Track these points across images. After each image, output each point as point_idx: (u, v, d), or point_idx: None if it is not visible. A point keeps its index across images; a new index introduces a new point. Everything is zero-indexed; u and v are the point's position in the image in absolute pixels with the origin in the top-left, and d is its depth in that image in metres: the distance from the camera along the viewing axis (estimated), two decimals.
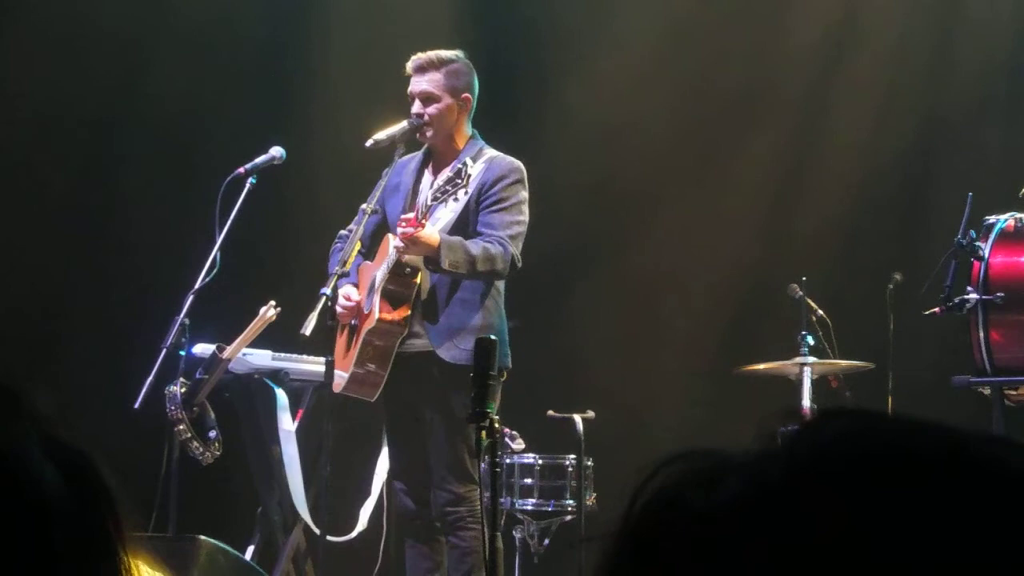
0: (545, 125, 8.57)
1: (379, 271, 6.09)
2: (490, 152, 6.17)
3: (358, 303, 6.15)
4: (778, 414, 0.90)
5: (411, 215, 5.89)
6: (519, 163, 6.16)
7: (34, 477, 1.00)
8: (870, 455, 0.86)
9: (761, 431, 0.88)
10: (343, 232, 6.36)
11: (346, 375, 6.10)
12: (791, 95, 8.80)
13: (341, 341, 6.25)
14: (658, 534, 0.87)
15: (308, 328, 5.86)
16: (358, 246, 6.20)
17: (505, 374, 5.97)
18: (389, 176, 6.24)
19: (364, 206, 6.20)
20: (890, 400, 6.93)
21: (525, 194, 6.12)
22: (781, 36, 8.79)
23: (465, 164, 5.83)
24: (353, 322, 6.19)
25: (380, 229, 6.26)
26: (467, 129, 6.23)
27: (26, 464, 1.01)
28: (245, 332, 6.51)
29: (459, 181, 5.81)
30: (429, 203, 5.89)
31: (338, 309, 6.13)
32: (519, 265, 6.02)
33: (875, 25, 8.74)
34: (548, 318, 8.21)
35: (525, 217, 6.10)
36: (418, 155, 6.30)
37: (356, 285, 6.22)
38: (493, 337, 5.24)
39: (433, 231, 5.91)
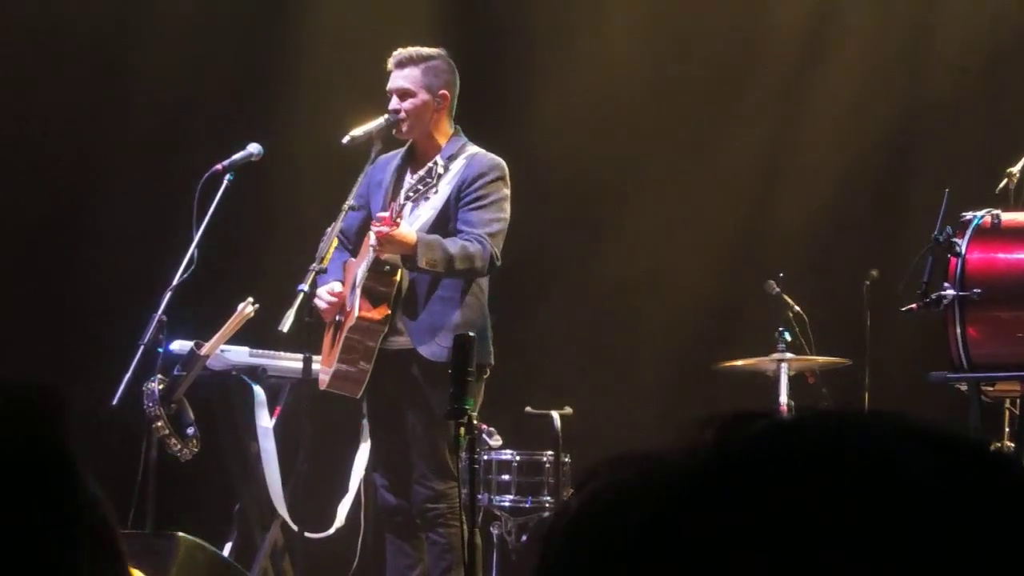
0: (522, 122, 8.56)
1: (360, 269, 6.08)
2: (472, 149, 6.14)
3: (341, 299, 6.13)
4: (697, 421, 0.87)
5: (385, 214, 5.88)
6: (500, 160, 6.13)
7: (86, 495, 0.98)
8: (773, 499, 0.80)
9: (683, 439, 0.86)
10: (329, 230, 6.34)
11: (330, 371, 6.09)
12: (767, 91, 8.82)
13: (327, 338, 6.24)
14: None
15: (286, 325, 5.86)
16: (335, 243, 6.18)
17: (488, 371, 5.97)
18: (372, 172, 6.22)
19: (346, 204, 6.19)
20: (867, 396, 6.95)
21: (506, 191, 6.09)
22: (758, 30, 8.82)
23: (436, 163, 5.81)
24: (338, 319, 6.18)
25: (366, 225, 6.20)
26: (448, 127, 6.20)
27: (81, 481, 0.98)
28: (223, 329, 6.49)
29: (430, 180, 5.80)
30: (402, 202, 5.88)
31: (320, 305, 6.12)
32: (499, 263, 5.99)
33: (852, 20, 8.76)
34: (526, 314, 8.20)
35: (506, 215, 6.07)
36: (401, 152, 6.28)
37: (342, 282, 6.21)
38: (471, 334, 5.24)
39: (410, 230, 5.88)
